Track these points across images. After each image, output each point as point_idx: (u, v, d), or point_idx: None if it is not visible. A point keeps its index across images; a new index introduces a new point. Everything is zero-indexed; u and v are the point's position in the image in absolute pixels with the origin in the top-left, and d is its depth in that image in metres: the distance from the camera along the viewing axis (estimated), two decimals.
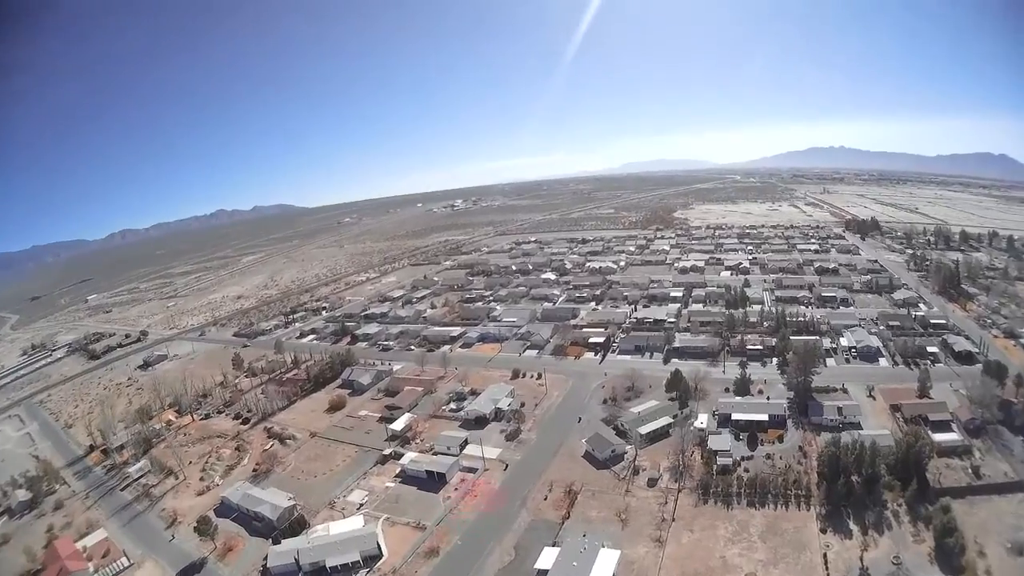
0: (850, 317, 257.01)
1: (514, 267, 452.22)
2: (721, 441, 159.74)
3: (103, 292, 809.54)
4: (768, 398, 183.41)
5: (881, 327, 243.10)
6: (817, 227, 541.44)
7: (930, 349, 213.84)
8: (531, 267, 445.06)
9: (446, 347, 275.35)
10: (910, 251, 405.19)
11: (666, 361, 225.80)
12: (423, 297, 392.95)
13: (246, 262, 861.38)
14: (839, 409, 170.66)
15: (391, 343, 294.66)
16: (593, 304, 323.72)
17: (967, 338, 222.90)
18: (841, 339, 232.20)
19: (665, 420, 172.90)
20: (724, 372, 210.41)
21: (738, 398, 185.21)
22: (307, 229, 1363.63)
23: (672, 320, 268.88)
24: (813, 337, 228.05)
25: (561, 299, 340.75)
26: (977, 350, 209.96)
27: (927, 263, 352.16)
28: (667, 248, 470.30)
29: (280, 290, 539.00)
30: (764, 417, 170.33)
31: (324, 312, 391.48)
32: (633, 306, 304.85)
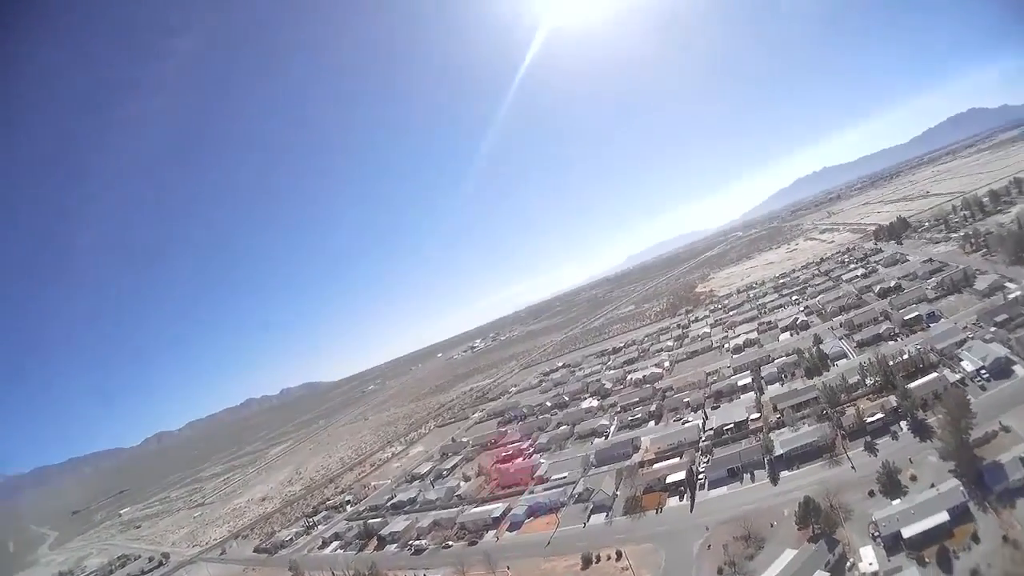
0: (953, 332, 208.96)
1: (548, 403, 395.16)
2: None
3: (137, 504, 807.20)
4: (933, 486, 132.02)
5: (992, 329, 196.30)
6: (848, 250, 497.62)
7: None
8: (567, 398, 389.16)
9: (490, 534, 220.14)
10: (955, 234, 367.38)
11: (774, 480, 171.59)
12: (454, 466, 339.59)
13: (274, 454, 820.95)
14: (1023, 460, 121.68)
15: (423, 541, 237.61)
16: (652, 423, 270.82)
17: None
18: (962, 363, 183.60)
19: None
20: (854, 468, 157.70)
21: (896, 502, 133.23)
22: (332, 405, 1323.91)
23: (755, 417, 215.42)
24: (932, 376, 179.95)
25: (613, 429, 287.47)
26: None
27: (982, 238, 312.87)
28: (708, 330, 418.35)
29: (304, 484, 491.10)
30: (944, 517, 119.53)
31: (348, 507, 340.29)
32: (700, 412, 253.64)
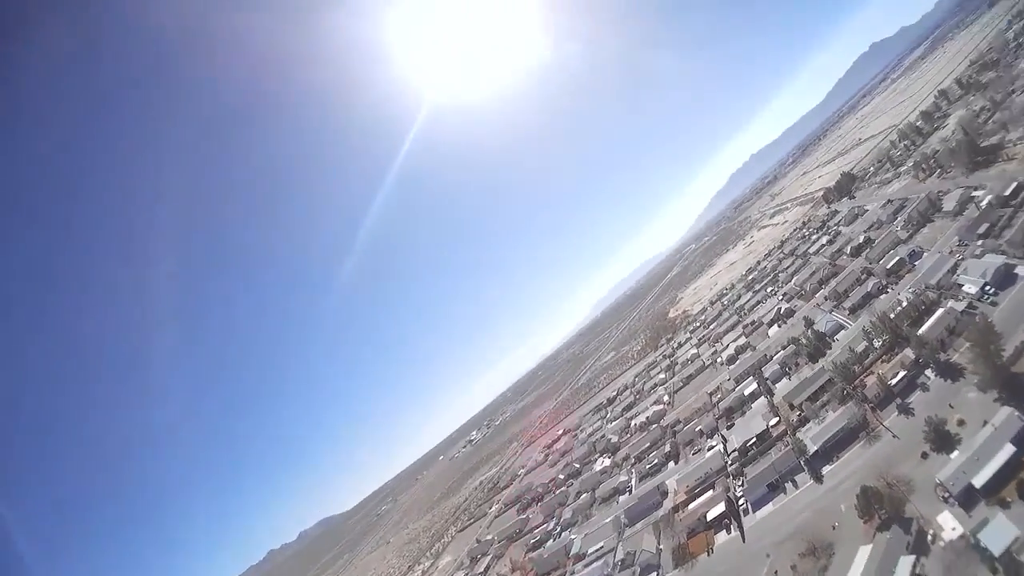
0: (941, 262, 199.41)
1: (561, 475, 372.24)
2: (1000, 531, 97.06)
3: None
4: (987, 422, 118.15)
5: (979, 243, 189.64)
6: (804, 223, 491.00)
7: None
8: (578, 465, 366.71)
9: None
10: (903, 168, 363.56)
11: (818, 479, 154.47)
12: (487, 568, 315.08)
13: None
14: None
15: None
16: (671, 464, 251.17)
17: None
18: (964, 287, 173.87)
19: (905, 571, 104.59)
20: (896, 437, 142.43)
21: (954, 455, 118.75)
22: (352, 536, 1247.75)
23: (775, 422, 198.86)
24: (939, 313, 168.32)
25: (634, 482, 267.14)
26: None
27: (932, 160, 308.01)
28: (695, 350, 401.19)
29: None
30: (1010, 450, 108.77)
31: None
32: (716, 436, 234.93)
